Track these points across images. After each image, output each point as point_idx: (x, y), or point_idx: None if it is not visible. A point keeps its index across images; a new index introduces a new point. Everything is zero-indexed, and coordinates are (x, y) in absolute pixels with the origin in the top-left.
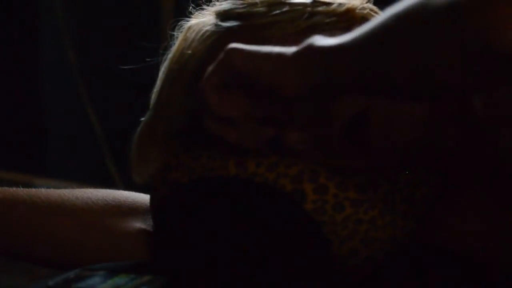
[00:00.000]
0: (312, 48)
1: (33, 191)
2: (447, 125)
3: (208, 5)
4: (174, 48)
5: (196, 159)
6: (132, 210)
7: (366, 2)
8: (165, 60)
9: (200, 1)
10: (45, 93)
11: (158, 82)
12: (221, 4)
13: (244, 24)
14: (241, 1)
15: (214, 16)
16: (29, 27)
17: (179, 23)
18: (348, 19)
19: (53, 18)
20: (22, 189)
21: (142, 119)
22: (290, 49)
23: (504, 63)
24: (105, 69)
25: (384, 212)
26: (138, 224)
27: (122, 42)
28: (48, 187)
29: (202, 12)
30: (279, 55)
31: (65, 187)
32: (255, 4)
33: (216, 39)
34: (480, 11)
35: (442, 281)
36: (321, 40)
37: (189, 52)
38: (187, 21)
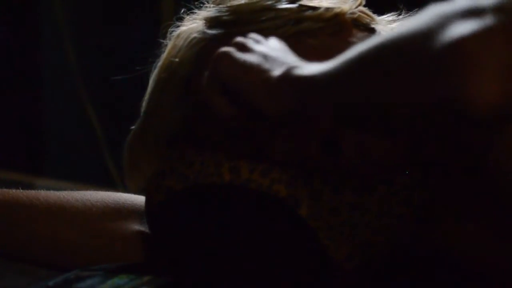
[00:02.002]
0: (289, 76)
1: (32, 193)
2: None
3: (199, 9)
4: (163, 56)
5: (189, 166)
6: (131, 212)
7: (357, 6)
8: (155, 67)
9: (197, 4)
10: (45, 93)
11: (148, 90)
12: (209, 10)
13: (230, 31)
14: (228, 8)
15: (203, 22)
16: (29, 27)
17: (170, 29)
18: (337, 23)
19: (53, 18)
20: (21, 191)
21: (133, 127)
22: (272, 67)
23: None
24: (105, 69)
25: (380, 216)
26: (137, 227)
27: (122, 43)
28: (48, 187)
29: (193, 16)
30: (261, 73)
31: (65, 187)
32: (241, 11)
33: (203, 47)
34: (454, 70)
35: (440, 284)
36: (299, 68)
37: (177, 60)
38: (179, 26)
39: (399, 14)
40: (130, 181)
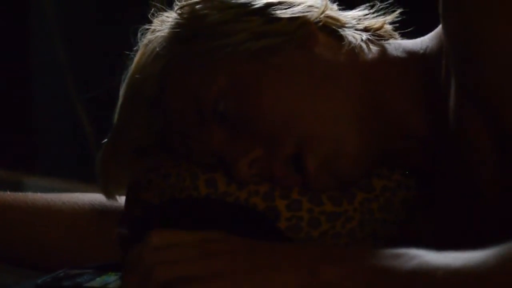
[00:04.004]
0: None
1: (20, 195)
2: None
3: (170, 9)
4: (131, 68)
5: (165, 178)
6: (117, 215)
7: (322, 12)
8: (124, 79)
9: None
10: (35, 90)
11: (118, 103)
12: (175, 20)
13: (192, 48)
14: (189, 21)
15: (167, 34)
16: (20, 25)
17: (140, 33)
18: (301, 34)
19: (44, 16)
20: (9, 193)
21: (105, 140)
22: None
23: None
24: (96, 65)
25: (362, 223)
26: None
27: (112, 40)
28: (37, 186)
29: (162, 19)
30: None
31: (55, 185)
32: (202, 26)
33: (165, 65)
34: None
35: None
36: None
37: (142, 76)
38: (148, 29)
39: (372, 7)
40: (105, 193)
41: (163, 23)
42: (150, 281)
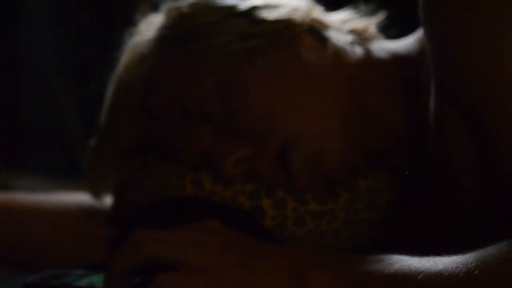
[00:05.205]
0: None
1: (7, 196)
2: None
3: (156, 10)
4: (118, 70)
5: (152, 178)
6: (105, 216)
7: (308, 15)
8: (111, 81)
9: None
10: (22, 89)
11: (105, 103)
12: (161, 22)
13: (179, 50)
14: (176, 22)
15: (154, 35)
16: (7, 23)
17: (125, 36)
18: (287, 36)
19: (33, 15)
20: None
21: (91, 140)
22: None
23: None
24: (84, 65)
25: (347, 222)
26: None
27: (99, 43)
28: (24, 185)
29: (149, 21)
30: None
31: (42, 184)
32: (189, 28)
33: (153, 66)
34: None
35: None
36: None
37: (129, 78)
38: (134, 33)
39: (357, 9)
40: (93, 193)
41: (150, 25)
42: (138, 253)
